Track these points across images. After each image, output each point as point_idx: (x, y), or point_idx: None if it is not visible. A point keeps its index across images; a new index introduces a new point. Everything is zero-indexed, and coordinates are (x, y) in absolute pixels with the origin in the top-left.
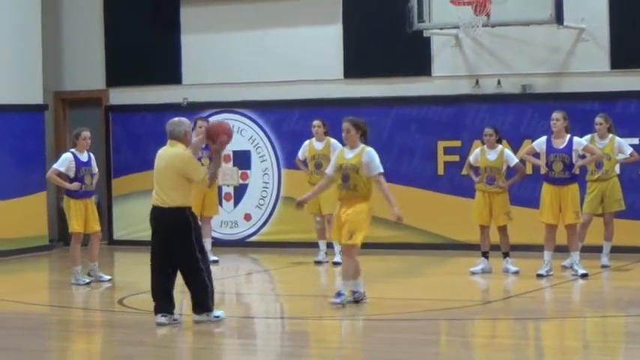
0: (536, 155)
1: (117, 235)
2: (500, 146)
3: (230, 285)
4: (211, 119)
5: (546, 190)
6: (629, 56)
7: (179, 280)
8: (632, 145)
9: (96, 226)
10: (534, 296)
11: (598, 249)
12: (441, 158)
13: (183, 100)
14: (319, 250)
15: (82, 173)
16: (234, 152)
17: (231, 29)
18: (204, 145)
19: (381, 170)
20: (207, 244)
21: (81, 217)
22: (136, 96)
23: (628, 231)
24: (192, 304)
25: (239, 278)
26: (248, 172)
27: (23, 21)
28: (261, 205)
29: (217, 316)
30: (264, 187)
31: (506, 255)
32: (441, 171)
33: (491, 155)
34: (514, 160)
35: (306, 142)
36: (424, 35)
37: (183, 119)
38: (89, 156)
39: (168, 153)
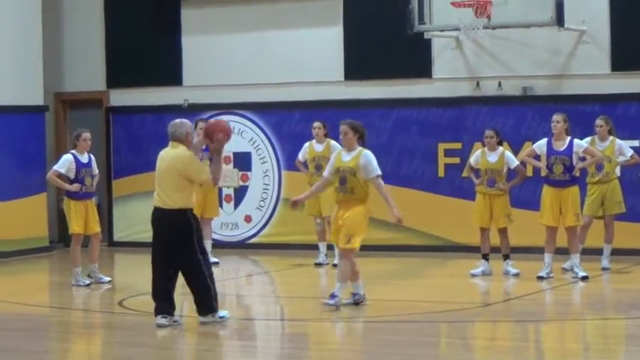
0: (537, 157)
1: (117, 236)
2: (500, 148)
3: (230, 287)
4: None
5: (547, 193)
6: (629, 58)
7: (179, 281)
8: (632, 148)
9: (96, 228)
10: (534, 298)
11: (598, 251)
12: (442, 160)
13: (184, 102)
14: (319, 252)
15: (83, 174)
16: (234, 154)
17: (232, 31)
18: (204, 147)
19: (379, 172)
20: (208, 245)
21: (81, 218)
22: (137, 97)
23: (628, 233)
24: (196, 306)
25: (239, 280)
26: (248, 173)
27: (24, 22)
28: (262, 206)
29: (222, 317)
30: (264, 189)
31: (506, 257)
32: (441, 173)
33: (492, 157)
34: (515, 162)
35: (307, 144)
36: (425, 37)
37: (185, 121)
38: (89, 157)
39: (170, 154)
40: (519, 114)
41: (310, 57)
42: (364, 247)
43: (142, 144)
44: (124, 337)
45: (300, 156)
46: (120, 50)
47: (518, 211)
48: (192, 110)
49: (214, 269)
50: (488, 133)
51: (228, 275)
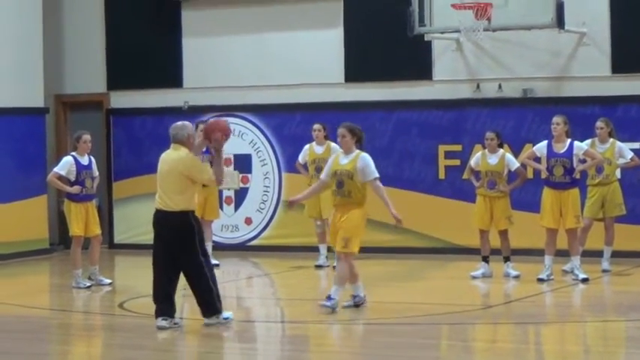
0: (537, 159)
1: (117, 238)
2: (501, 150)
3: (231, 289)
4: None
5: (547, 195)
6: (630, 60)
7: (180, 284)
8: (632, 150)
9: (96, 230)
10: (535, 300)
11: (599, 253)
12: (442, 162)
13: (184, 104)
14: (320, 254)
15: (83, 177)
16: (235, 156)
17: (232, 33)
18: (204, 149)
19: (377, 175)
20: (208, 247)
21: (81, 220)
22: (137, 99)
23: (629, 235)
24: (199, 308)
25: (240, 282)
26: (249, 175)
27: (24, 24)
28: (262, 209)
29: (227, 318)
30: (264, 191)
31: (507, 259)
32: (441, 175)
33: (493, 159)
34: (515, 164)
35: (307, 146)
36: (425, 39)
37: (187, 123)
38: (90, 159)
39: (172, 157)
40: (519, 116)
41: (311, 59)
42: (365, 249)
43: (143, 146)
44: (125, 339)
45: (301, 158)
46: (120, 52)
47: (518, 213)
48: (192, 112)
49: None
50: (489, 135)
51: (229, 277)
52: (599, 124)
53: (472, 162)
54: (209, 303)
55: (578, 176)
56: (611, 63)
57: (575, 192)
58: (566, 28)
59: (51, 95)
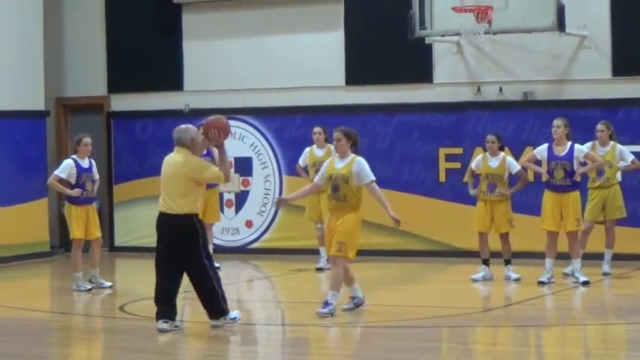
0: (538, 162)
1: (118, 241)
2: (502, 153)
3: (231, 292)
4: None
5: (548, 198)
6: (630, 63)
7: (181, 287)
8: (633, 153)
9: (97, 233)
10: (535, 303)
11: (599, 256)
12: (443, 165)
13: (185, 107)
14: (320, 256)
15: (83, 179)
16: (235, 159)
17: (233, 36)
18: (205, 152)
19: (373, 178)
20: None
21: (82, 223)
22: (138, 102)
23: (629, 238)
24: (206, 310)
25: (240, 285)
26: (249, 178)
27: (25, 27)
28: (263, 211)
29: (234, 318)
30: (265, 194)
31: (507, 262)
32: (442, 178)
33: (493, 162)
34: (516, 167)
35: (307, 149)
36: (426, 42)
37: (190, 126)
38: (90, 162)
39: (175, 159)
40: (520, 119)
41: (311, 62)
42: (365, 252)
43: (143, 149)
44: (125, 342)
45: (301, 161)
46: (121, 55)
47: (519, 216)
48: (193, 115)
49: None
50: (490, 138)
51: (230, 280)
52: (599, 126)
53: (473, 165)
54: (214, 305)
55: (578, 179)
56: (612, 66)
57: (575, 195)
58: (566, 31)
59: (52, 98)
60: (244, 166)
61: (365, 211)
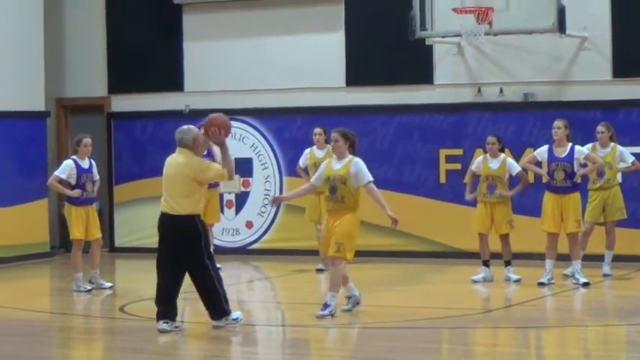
0: (538, 164)
1: (118, 242)
2: (502, 155)
3: (232, 292)
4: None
5: (548, 199)
6: (631, 65)
7: (182, 287)
8: (633, 154)
9: (97, 234)
10: (536, 305)
11: (599, 258)
12: (443, 166)
13: (185, 108)
14: (321, 257)
15: (84, 180)
16: (235, 160)
17: (234, 37)
18: (205, 152)
19: (371, 178)
20: None
21: (82, 224)
22: (138, 103)
23: (629, 240)
24: (207, 311)
25: (240, 286)
26: (250, 179)
27: (26, 28)
28: (263, 212)
29: (236, 319)
30: (265, 195)
31: (507, 263)
32: (442, 179)
33: (494, 164)
34: (517, 168)
35: (307, 150)
36: (426, 43)
37: (192, 127)
38: (90, 163)
39: (177, 160)
40: (520, 120)
41: (312, 63)
42: (365, 254)
43: (143, 150)
44: (125, 342)
45: (301, 162)
46: (121, 56)
47: (519, 217)
48: (193, 116)
49: None
50: (491, 139)
51: (230, 281)
52: (600, 128)
53: (473, 166)
54: (216, 305)
55: (579, 180)
56: (612, 67)
57: (576, 196)
58: (567, 32)
59: (52, 99)
60: (244, 166)
61: (365, 212)
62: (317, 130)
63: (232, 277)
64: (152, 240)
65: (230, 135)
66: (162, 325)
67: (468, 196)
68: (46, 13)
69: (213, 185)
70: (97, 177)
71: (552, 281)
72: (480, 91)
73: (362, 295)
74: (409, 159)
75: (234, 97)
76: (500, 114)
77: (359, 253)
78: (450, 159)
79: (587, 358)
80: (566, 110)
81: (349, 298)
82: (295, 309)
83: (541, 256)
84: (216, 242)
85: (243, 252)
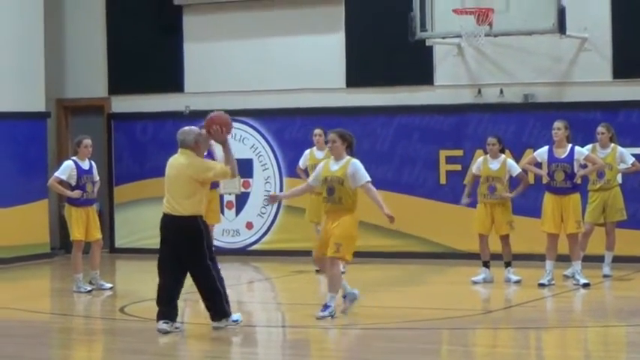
0: (538, 165)
1: (118, 243)
2: (503, 156)
3: (232, 293)
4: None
5: (548, 200)
6: (631, 66)
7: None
8: (634, 155)
9: (97, 234)
10: (536, 305)
11: (600, 258)
12: (443, 167)
13: (185, 109)
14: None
15: (84, 181)
16: (236, 160)
17: (234, 37)
18: (205, 153)
19: (368, 179)
20: None
21: (82, 225)
22: (138, 104)
23: (630, 241)
24: (208, 312)
25: (241, 287)
26: (250, 180)
27: (26, 28)
28: (263, 213)
29: (236, 320)
30: (265, 196)
31: (507, 264)
32: (443, 180)
33: (494, 165)
34: (517, 169)
35: (307, 151)
36: (427, 44)
37: (194, 128)
38: (90, 164)
39: (179, 161)
40: (521, 121)
41: (312, 64)
42: (365, 254)
43: (144, 151)
44: (126, 343)
45: (301, 163)
46: (121, 56)
47: (519, 218)
48: (193, 117)
49: None
50: (491, 140)
51: (230, 282)
52: (600, 129)
53: (474, 167)
54: (217, 306)
55: (579, 181)
56: (613, 68)
57: (576, 197)
58: (567, 33)
59: (52, 99)
60: (245, 167)
61: (364, 213)
62: (317, 131)
63: (232, 278)
64: (152, 241)
65: (231, 133)
66: (162, 325)
67: (464, 200)
68: (46, 14)
69: (214, 186)
70: (97, 178)
71: (552, 282)
72: (480, 92)
73: (362, 295)
74: (409, 160)
75: (235, 98)
76: (501, 115)
77: (359, 254)
78: (450, 160)
79: (587, 359)
80: (566, 111)
81: (344, 297)
82: (295, 310)
83: (541, 257)
84: (216, 243)
85: (243, 253)
